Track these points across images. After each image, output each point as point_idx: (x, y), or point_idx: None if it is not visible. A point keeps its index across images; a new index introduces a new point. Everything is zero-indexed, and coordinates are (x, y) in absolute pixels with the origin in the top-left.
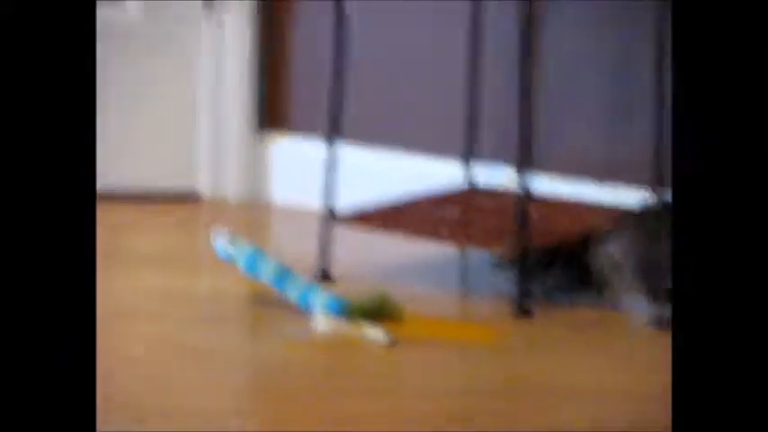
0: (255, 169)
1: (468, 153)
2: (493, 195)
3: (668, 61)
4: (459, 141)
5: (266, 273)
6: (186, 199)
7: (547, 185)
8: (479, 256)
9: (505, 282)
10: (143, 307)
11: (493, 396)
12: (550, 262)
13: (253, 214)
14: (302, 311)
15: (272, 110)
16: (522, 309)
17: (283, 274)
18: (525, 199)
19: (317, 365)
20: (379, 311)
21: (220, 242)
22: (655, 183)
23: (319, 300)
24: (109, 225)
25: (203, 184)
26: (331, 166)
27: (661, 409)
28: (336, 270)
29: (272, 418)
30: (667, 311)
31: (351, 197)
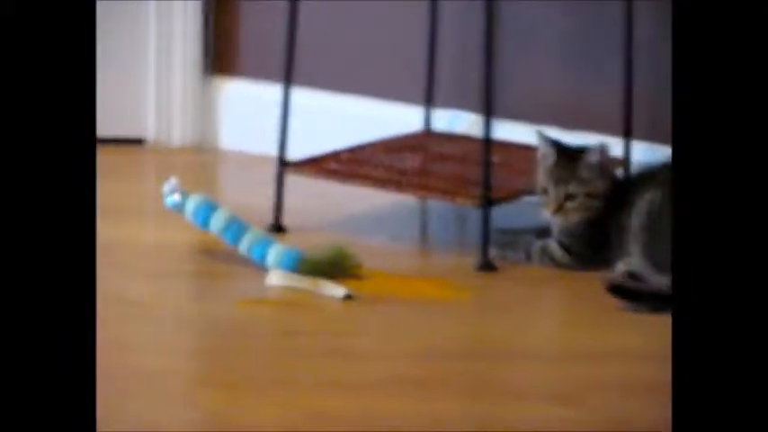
0: (204, 115)
1: (428, 98)
2: (453, 142)
3: None
4: (418, 86)
5: (216, 224)
6: (133, 145)
7: (509, 132)
8: (440, 206)
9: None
10: None
11: (454, 358)
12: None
13: (201, 161)
14: (254, 266)
15: (222, 53)
16: (486, 263)
17: (234, 225)
18: (487, 146)
19: (270, 324)
20: (335, 266)
21: (168, 191)
22: (623, 131)
23: (272, 253)
24: None
25: (151, 130)
26: (284, 111)
27: (618, 371)
28: (290, 221)
29: (223, 381)
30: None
31: (304, 144)
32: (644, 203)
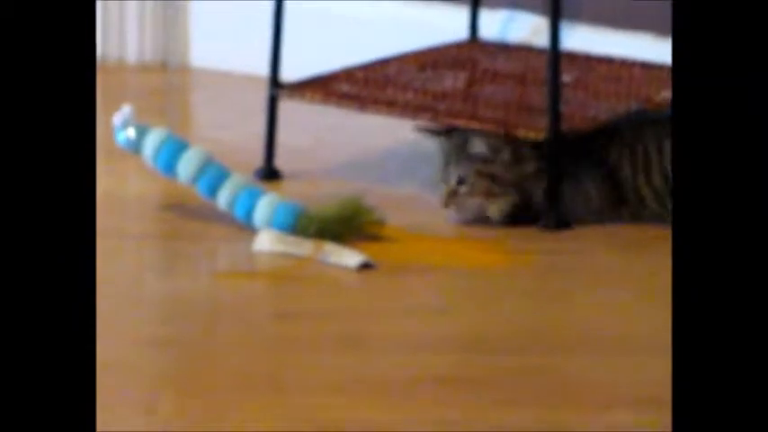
0: (169, 23)
1: None
2: (508, 55)
3: None
4: None
5: (185, 168)
6: None
7: (584, 41)
8: None
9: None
10: None
11: (507, 350)
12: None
13: (166, 83)
14: (238, 225)
15: None
16: (557, 219)
17: (210, 169)
18: (555, 60)
19: (259, 304)
20: (347, 224)
21: (119, 124)
22: None
23: (262, 208)
24: None
25: (98, 41)
26: (277, 17)
27: None
28: (286, 164)
29: (194, 381)
30: None
31: (305, 61)
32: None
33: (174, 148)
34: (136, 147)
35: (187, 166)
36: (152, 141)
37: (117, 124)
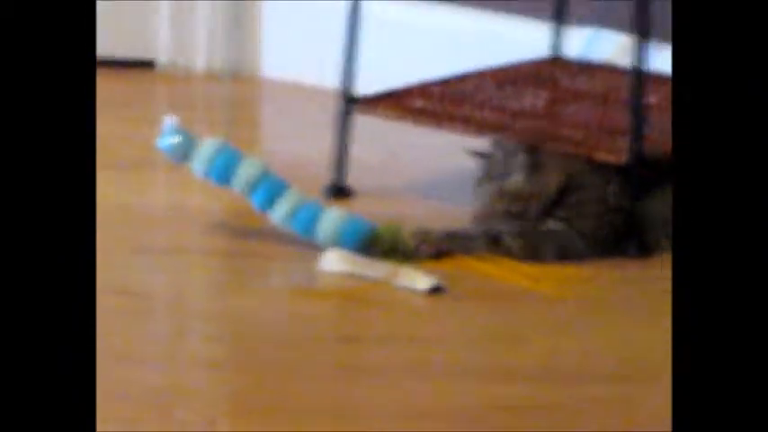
0: (240, 30)
1: (558, 13)
2: (591, 74)
3: None
4: None
5: (242, 178)
6: (138, 69)
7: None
8: None
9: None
10: None
11: (590, 379)
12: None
13: (233, 94)
14: (303, 242)
15: None
16: (642, 245)
17: (267, 181)
18: (640, 80)
19: (325, 326)
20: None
21: (165, 133)
22: None
23: (329, 225)
24: None
25: (164, 48)
26: (352, 29)
27: None
28: (356, 180)
29: (256, 406)
30: None
31: (380, 75)
32: None
33: (230, 157)
34: (182, 156)
35: (243, 176)
36: (206, 150)
37: (164, 132)
